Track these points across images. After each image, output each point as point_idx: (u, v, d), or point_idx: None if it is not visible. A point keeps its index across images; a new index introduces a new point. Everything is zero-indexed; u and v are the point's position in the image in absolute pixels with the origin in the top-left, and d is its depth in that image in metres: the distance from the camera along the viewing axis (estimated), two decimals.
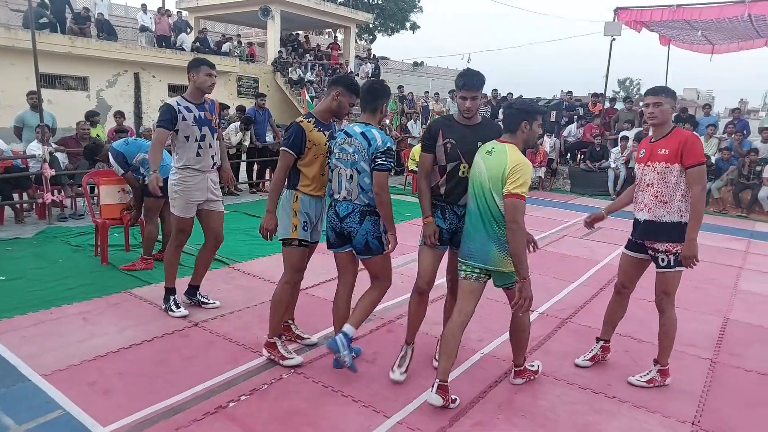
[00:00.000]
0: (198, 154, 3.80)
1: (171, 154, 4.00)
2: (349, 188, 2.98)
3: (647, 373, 3.22)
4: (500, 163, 2.70)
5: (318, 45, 23.39)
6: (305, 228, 3.16)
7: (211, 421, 2.65)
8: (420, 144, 3.02)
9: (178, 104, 3.74)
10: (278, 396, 2.92)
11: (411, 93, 16.93)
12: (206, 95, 3.86)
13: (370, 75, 20.47)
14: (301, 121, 3.10)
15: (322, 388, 3.01)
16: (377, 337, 3.73)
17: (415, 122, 13.20)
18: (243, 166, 9.65)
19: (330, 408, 2.82)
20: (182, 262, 4.30)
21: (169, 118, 3.68)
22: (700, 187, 2.95)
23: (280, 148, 3.11)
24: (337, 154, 3.02)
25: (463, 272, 2.89)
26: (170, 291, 3.98)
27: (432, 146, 3.00)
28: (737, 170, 9.84)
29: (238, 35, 23.52)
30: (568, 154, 12.63)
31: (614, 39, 12.74)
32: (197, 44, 17.98)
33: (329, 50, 22.07)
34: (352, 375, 3.14)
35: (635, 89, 36.59)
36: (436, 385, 2.81)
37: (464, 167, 2.93)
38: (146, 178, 4.85)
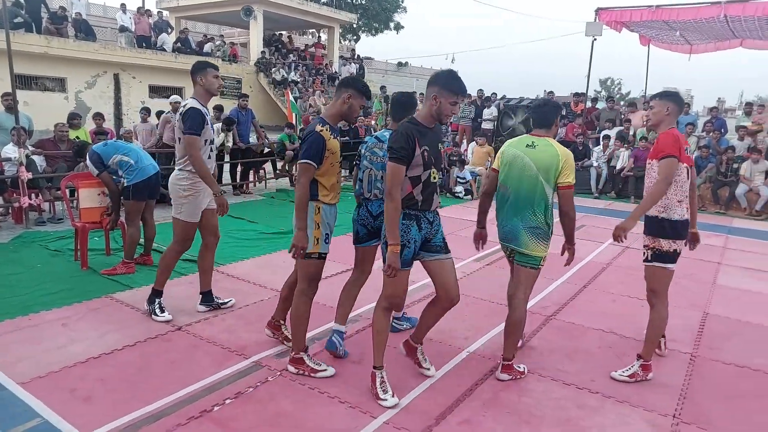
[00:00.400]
0: (209, 157, 3.77)
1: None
2: (380, 188, 3.22)
3: (630, 368, 3.26)
4: (551, 154, 3.00)
5: (306, 45, 23.29)
6: (327, 240, 3.10)
7: (195, 426, 2.62)
8: (393, 155, 2.69)
9: (203, 107, 3.68)
10: (264, 399, 2.90)
11: (395, 93, 16.97)
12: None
13: (354, 75, 20.46)
14: (321, 130, 2.94)
15: (308, 390, 3.00)
16: (364, 337, 3.72)
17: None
18: (226, 167, 9.57)
19: (316, 409, 2.81)
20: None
21: (200, 122, 3.60)
22: (662, 178, 3.04)
23: (302, 161, 2.91)
24: (368, 157, 3.30)
25: (506, 252, 3.31)
26: (158, 293, 3.92)
27: (411, 156, 2.71)
28: (715, 168, 10.04)
29: (221, 35, 23.33)
30: None
31: (595, 39, 12.89)
32: (178, 44, 17.80)
33: (313, 50, 22.00)
34: (339, 376, 3.13)
35: (616, 89, 37.09)
36: (501, 365, 3.18)
37: (435, 173, 2.82)
38: (125, 181, 4.79)
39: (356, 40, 33.06)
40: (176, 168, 3.75)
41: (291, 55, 20.35)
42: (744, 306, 4.66)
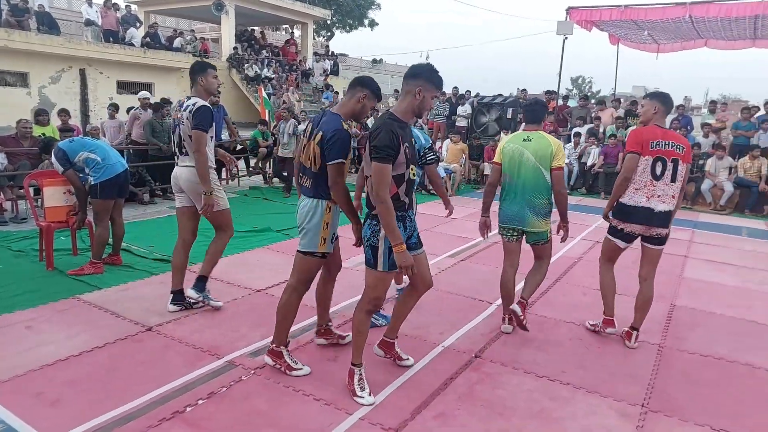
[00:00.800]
0: (214, 153, 3.94)
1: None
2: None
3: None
4: (545, 144, 3.57)
5: (286, 42, 23.04)
6: (332, 240, 3.08)
7: (167, 427, 2.58)
8: (378, 154, 2.59)
9: (209, 105, 3.83)
10: (238, 398, 2.87)
11: None
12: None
13: (328, 72, 20.34)
14: (347, 128, 2.88)
15: (282, 388, 2.97)
16: None
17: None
18: None
19: (291, 408, 2.79)
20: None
21: (210, 120, 3.74)
22: (621, 171, 3.53)
23: (337, 161, 2.81)
24: None
25: (506, 236, 3.73)
26: (204, 279, 4.00)
27: (396, 155, 2.61)
28: None
29: (191, 30, 22.89)
30: None
31: (566, 38, 13.11)
32: (147, 39, 17.40)
33: (287, 46, 21.78)
34: (314, 374, 3.12)
35: (587, 87, 37.81)
36: (507, 318, 3.75)
37: (413, 170, 2.79)
38: (92, 179, 4.66)
39: (330, 37, 32.87)
40: (193, 165, 3.74)
41: (264, 51, 20.09)
42: (709, 297, 4.81)
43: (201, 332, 3.64)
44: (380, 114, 3.12)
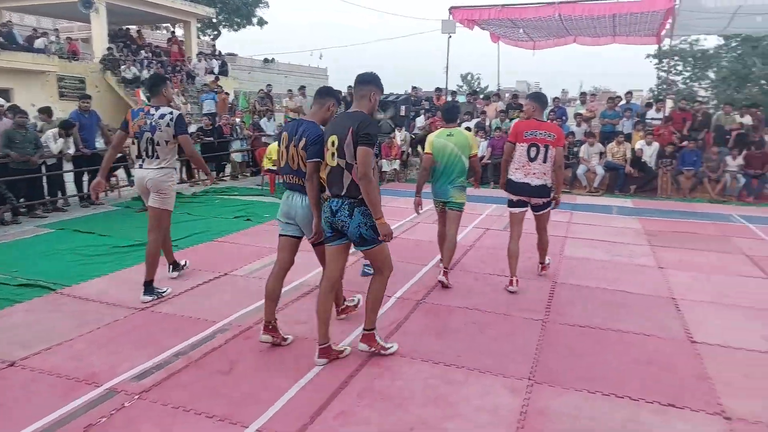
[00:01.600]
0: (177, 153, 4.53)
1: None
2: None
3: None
4: (464, 138, 4.65)
5: (169, 40, 21.60)
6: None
7: None
8: (370, 141, 3.01)
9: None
10: (121, 426, 2.63)
11: (262, 90, 16.41)
12: None
13: (216, 72, 19.50)
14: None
15: (171, 410, 2.78)
16: (233, 346, 3.55)
17: (269, 120, 12.85)
18: (69, 176, 8.56)
19: (182, 429, 2.61)
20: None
21: (187, 125, 4.58)
22: (504, 155, 4.79)
23: (315, 160, 3.20)
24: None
25: (437, 206, 4.86)
26: (150, 283, 4.36)
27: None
28: None
29: (55, 29, 20.76)
30: (418, 146, 13.27)
31: (450, 36, 13.67)
32: (0, 39, 15.51)
33: (170, 46, 20.49)
34: (206, 390, 2.95)
35: (476, 83, 39.73)
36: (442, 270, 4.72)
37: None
38: None
39: (217, 36, 31.52)
40: (161, 167, 4.30)
41: (143, 52, 18.72)
42: (585, 273, 5.25)
43: (77, 360, 3.30)
44: (337, 114, 3.44)
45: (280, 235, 3.52)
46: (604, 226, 7.46)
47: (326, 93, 3.44)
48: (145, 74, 15.48)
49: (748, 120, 11.02)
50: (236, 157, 11.77)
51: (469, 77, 41.24)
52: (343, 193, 3.05)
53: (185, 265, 5.01)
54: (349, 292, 4.14)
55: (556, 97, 14.78)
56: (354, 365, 3.27)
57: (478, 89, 32.61)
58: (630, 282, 4.97)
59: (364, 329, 3.37)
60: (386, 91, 14.90)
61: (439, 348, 3.52)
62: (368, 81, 3.17)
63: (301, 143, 3.25)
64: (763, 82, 20.73)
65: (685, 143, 10.55)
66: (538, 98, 4.74)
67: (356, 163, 2.98)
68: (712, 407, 2.87)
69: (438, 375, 3.17)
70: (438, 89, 14.73)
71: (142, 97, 8.95)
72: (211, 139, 10.99)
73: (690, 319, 4.08)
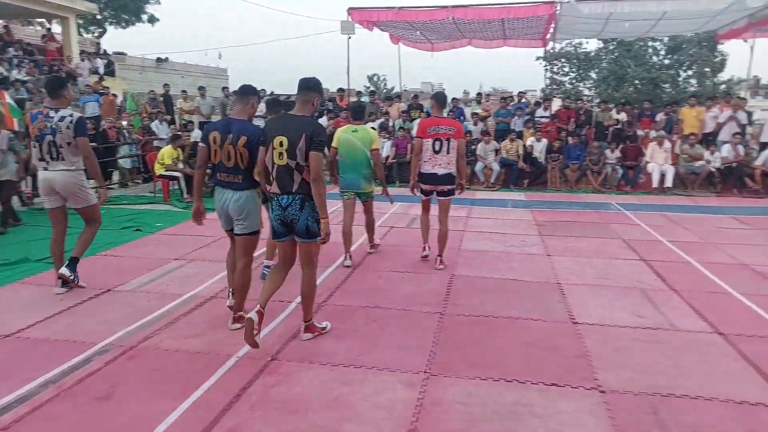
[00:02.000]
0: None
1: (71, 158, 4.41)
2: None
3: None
4: (366, 134, 5.22)
5: (43, 37, 19.53)
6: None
7: None
8: (322, 146, 3.34)
9: None
10: None
11: (153, 91, 15.42)
12: None
13: (101, 71, 18.06)
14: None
15: None
16: (114, 368, 3.25)
17: (161, 123, 12.09)
18: None
19: None
20: None
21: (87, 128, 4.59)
22: (414, 151, 5.34)
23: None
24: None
25: (346, 196, 5.36)
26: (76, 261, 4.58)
27: None
28: None
29: None
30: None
31: (350, 37, 13.71)
32: None
33: (45, 44, 18.62)
34: (79, 422, 2.68)
35: (383, 84, 40.26)
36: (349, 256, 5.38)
37: None
38: None
39: (102, 33, 29.20)
40: (69, 169, 4.38)
41: (11, 49, 16.82)
42: (480, 264, 5.48)
43: None
44: (282, 113, 3.82)
45: (225, 231, 3.89)
46: (500, 219, 7.85)
47: (249, 92, 3.77)
48: (15, 74, 13.95)
49: (623, 116, 12.15)
50: (124, 163, 10.96)
51: (375, 78, 41.71)
52: (294, 190, 3.32)
53: (74, 279, 4.57)
54: (250, 293, 3.95)
55: (454, 98, 15.36)
56: (248, 376, 3.14)
57: (384, 90, 33.05)
58: (521, 270, 5.26)
59: (305, 321, 3.63)
60: (287, 92, 14.69)
61: (340, 350, 3.48)
62: (311, 87, 3.45)
63: (241, 141, 3.53)
64: (636, 82, 22.93)
65: (570, 139, 11.40)
66: (437, 98, 5.46)
67: (307, 165, 3.27)
68: (590, 382, 3.09)
69: (336, 377, 3.13)
70: (341, 90, 14.72)
71: (8, 99, 8.03)
72: (94, 144, 10.12)
73: (572, 302, 4.38)
